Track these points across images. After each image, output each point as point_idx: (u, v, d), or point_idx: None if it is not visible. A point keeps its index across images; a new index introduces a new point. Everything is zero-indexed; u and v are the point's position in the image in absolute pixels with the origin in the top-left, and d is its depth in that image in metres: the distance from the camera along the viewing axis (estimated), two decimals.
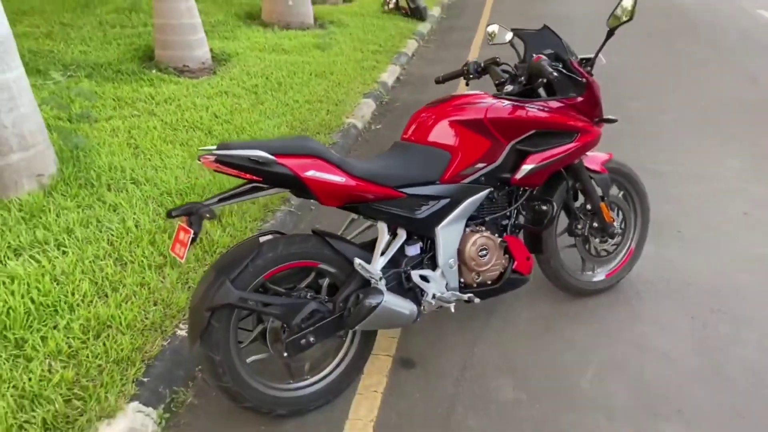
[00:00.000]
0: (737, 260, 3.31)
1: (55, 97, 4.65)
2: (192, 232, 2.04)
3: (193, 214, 2.05)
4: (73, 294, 2.76)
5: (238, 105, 5.25)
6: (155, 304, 2.82)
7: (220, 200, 2.15)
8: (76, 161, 3.88)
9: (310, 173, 2.11)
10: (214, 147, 2.06)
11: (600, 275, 3.07)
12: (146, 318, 2.73)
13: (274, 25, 8.11)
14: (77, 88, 4.75)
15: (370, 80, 6.40)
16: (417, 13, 9.53)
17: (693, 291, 3.08)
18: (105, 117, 4.73)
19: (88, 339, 2.56)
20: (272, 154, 2.05)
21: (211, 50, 6.45)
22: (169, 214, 2.05)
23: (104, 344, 2.54)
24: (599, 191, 2.85)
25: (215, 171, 2.09)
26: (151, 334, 2.65)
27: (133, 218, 3.37)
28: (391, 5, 9.71)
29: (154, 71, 5.94)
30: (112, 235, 3.23)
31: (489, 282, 2.65)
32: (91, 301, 2.75)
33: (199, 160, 2.10)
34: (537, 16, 9.04)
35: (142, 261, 3.06)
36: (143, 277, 2.95)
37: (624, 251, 3.10)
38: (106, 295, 2.81)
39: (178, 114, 4.93)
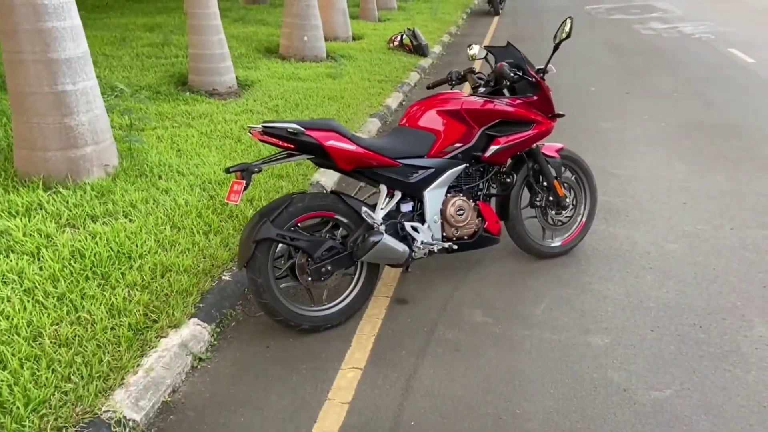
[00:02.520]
0: (669, 235, 4.09)
1: (108, 110, 5.50)
2: (244, 182, 2.85)
3: (245, 170, 2.86)
4: (141, 247, 3.55)
5: (261, 121, 6.10)
6: (204, 258, 3.60)
7: (265, 162, 2.97)
8: (131, 157, 4.72)
9: (330, 143, 2.92)
10: (260, 124, 2.89)
11: (557, 242, 3.84)
12: (198, 266, 3.51)
13: (291, 58, 9.06)
14: (137, 96, 5.65)
15: (377, 104, 7.28)
16: (419, 50, 10.49)
17: (630, 255, 3.85)
18: (150, 127, 5.60)
19: (156, 277, 3.34)
20: (303, 128, 2.87)
21: (236, 77, 7.36)
22: (227, 170, 2.87)
23: (168, 281, 3.31)
24: (553, 172, 3.65)
25: (260, 140, 2.91)
26: (203, 277, 3.42)
27: (183, 198, 4.17)
28: (396, 43, 10.69)
29: (187, 93, 6.84)
30: (167, 209, 4.03)
31: (466, 237, 3.44)
32: (156, 252, 3.54)
33: (249, 133, 2.92)
34: (526, 53, 9.94)
35: (192, 228, 3.85)
36: (194, 239, 3.74)
37: (576, 223, 3.88)
38: (166, 249, 3.60)
39: (211, 126, 5.79)
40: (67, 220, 3.76)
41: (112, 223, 3.76)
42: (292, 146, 2.91)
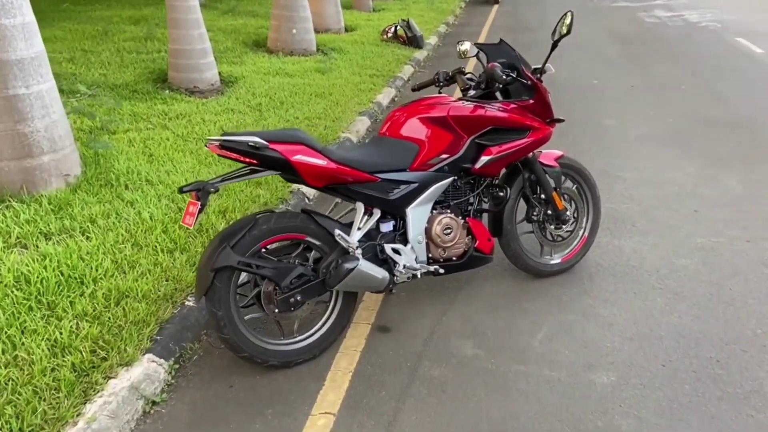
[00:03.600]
0: (680, 248, 3.73)
1: (78, 111, 5.15)
2: (200, 204, 2.50)
3: (201, 190, 2.51)
4: (96, 269, 3.20)
5: (243, 121, 5.75)
6: (167, 280, 3.25)
7: (223, 179, 2.61)
8: (97, 165, 4.36)
9: (297, 157, 2.57)
10: (219, 135, 2.53)
11: (556, 259, 3.49)
12: (159, 291, 3.16)
13: (279, 52, 8.67)
14: (102, 99, 5.27)
15: (367, 101, 6.90)
16: (414, 42, 10.09)
17: (638, 272, 3.49)
18: (122, 130, 5.23)
19: (110, 305, 2.99)
20: (266, 141, 2.51)
21: (219, 73, 7.00)
22: (181, 190, 2.51)
23: (123, 309, 2.97)
24: (552, 182, 3.29)
25: (219, 155, 2.56)
26: (163, 304, 3.08)
27: (148, 211, 3.82)
28: (390, 34, 10.29)
29: (167, 91, 6.47)
30: (130, 224, 3.68)
31: (454, 258, 3.08)
32: (112, 275, 3.19)
33: (207, 146, 2.57)
34: (525, 43, 9.57)
35: (156, 246, 3.50)
36: (157, 259, 3.39)
37: (578, 238, 3.53)
38: (125, 272, 3.25)
39: (188, 128, 5.43)
40: (17, 238, 3.42)
41: (66, 241, 3.41)
42: (254, 161, 2.55)
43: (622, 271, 3.52)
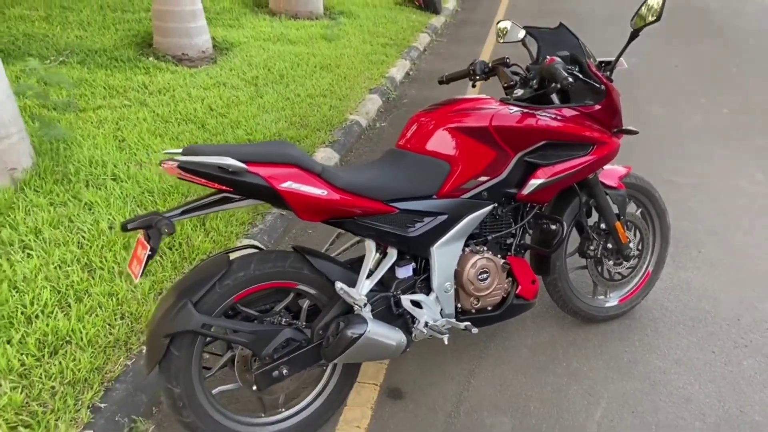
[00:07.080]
0: (763, 287, 3.02)
1: (41, 84, 4.41)
2: (149, 248, 1.79)
3: (152, 228, 1.79)
4: (32, 304, 2.53)
5: (235, 97, 4.99)
6: (122, 318, 2.57)
7: (185, 212, 1.89)
8: (54, 154, 3.64)
9: (287, 184, 1.85)
10: (180, 150, 1.81)
11: (613, 300, 2.79)
12: (110, 333, 2.49)
13: (282, 14, 7.84)
14: (58, 76, 4.51)
15: (378, 75, 6.12)
16: (431, 6, 9.21)
17: (714, 321, 2.79)
18: (93, 106, 4.49)
19: (44, 356, 2.32)
20: (244, 162, 1.79)
21: (213, 38, 6.20)
22: (124, 227, 1.79)
23: (60, 362, 2.30)
24: (615, 209, 2.57)
25: (179, 179, 1.84)
26: (114, 352, 2.41)
27: (108, 219, 3.12)
28: None
29: (150, 59, 5.68)
30: (84, 237, 2.98)
31: (489, 308, 2.38)
32: (51, 312, 2.51)
33: (162, 166, 1.84)
34: (553, 12, 8.73)
35: (113, 267, 2.81)
36: (112, 286, 2.71)
37: (640, 275, 2.83)
38: (69, 306, 2.57)
39: (171, 105, 4.68)
40: None
41: (0, 261, 2.72)
42: (228, 189, 1.84)
43: (694, 316, 2.82)
